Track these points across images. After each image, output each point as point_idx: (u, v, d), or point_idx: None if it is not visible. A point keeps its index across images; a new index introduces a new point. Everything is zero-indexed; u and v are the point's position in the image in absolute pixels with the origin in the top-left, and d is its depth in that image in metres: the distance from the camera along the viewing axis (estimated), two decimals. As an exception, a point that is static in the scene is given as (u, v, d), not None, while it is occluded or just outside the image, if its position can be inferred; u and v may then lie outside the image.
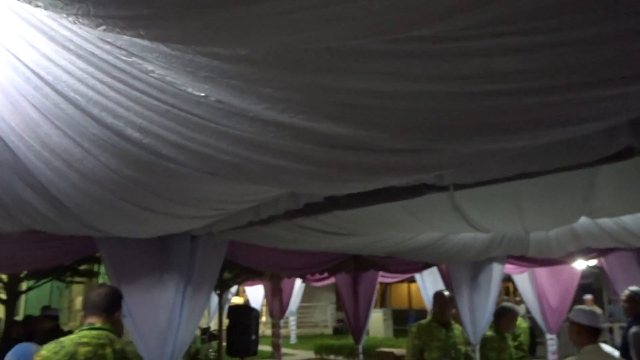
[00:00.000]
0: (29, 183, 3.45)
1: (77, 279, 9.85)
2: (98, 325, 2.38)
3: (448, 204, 3.87)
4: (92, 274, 10.04)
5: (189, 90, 2.09)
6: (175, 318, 5.52)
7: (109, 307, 2.47)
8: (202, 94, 2.07)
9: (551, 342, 10.30)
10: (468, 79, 1.67)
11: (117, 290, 2.57)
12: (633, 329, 4.12)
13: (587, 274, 11.29)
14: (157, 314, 5.48)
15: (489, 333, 4.65)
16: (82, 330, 2.38)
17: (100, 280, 12.66)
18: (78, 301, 16.15)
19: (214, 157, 2.42)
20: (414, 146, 2.26)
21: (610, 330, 10.78)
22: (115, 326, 2.50)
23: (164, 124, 2.34)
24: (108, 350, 2.30)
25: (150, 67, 2.06)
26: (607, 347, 5.09)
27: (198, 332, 13.51)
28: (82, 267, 9.28)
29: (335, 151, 2.25)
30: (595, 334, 3.08)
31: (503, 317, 4.68)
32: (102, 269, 8.75)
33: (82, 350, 2.25)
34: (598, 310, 3.37)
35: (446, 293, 4.55)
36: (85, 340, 2.32)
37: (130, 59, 2.05)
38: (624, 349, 4.28)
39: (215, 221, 4.68)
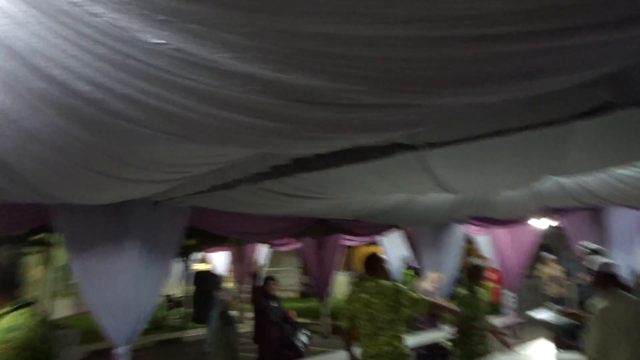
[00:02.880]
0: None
1: (31, 249, 9.46)
2: (22, 301, 2.11)
3: (418, 164, 3.80)
4: (48, 244, 9.68)
5: (146, 37, 1.88)
6: (137, 287, 5.34)
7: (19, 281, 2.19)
8: (161, 42, 1.87)
9: (512, 300, 10.66)
10: (451, 22, 1.54)
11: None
12: None
13: (546, 233, 11.65)
14: (117, 283, 5.28)
15: (462, 291, 4.75)
16: (17, 308, 2.07)
17: (57, 251, 12.25)
18: (35, 272, 15.66)
19: (174, 114, 2.23)
20: (388, 101, 2.13)
21: (568, 287, 11.25)
22: None
23: (118, 76, 2.11)
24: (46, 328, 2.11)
25: (100, 10, 1.83)
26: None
27: (162, 300, 13.35)
28: (36, 237, 8.91)
29: (304, 107, 2.10)
30: (615, 279, 3.34)
31: (473, 273, 4.81)
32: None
33: (41, 330, 2.06)
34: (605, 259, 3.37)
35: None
36: (34, 319, 2.08)
37: (78, 0, 1.83)
38: (582, 301, 4.41)
39: (177, 186, 4.48)
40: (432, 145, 2.99)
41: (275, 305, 6.01)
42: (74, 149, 2.92)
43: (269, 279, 6.02)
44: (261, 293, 5.86)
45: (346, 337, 4.19)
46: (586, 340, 3.38)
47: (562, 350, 4.77)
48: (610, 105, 2.35)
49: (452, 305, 4.24)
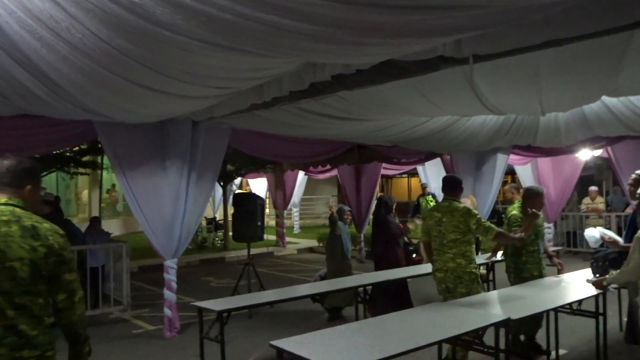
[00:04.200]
0: (17, 59, 3.20)
1: (81, 170, 9.86)
2: (3, 200, 2.00)
3: (462, 82, 3.65)
4: (95, 166, 10.07)
5: None
6: (181, 204, 5.53)
7: (15, 181, 2.04)
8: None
9: (548, 230, 10.55)
10: None
11: (26, 161, 2.11)
12: None
13: (589, 166, 11.26)
14: (162, 200, 5.48)
15: (516, 213, 4.67)
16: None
17: (105, 173, 12.73)
18: (85, 194, 16.43)
19: (214, 17, 2.18)
20: (438, 2, 2.00)
21: (608, 219, 11.01)
22: (29, 202, 2.13)
23: (155, -23, 2.07)
24: (14, 228, 1.92)
25: None
26: (609, 232, 5.13)
27: (204, 223, 13.86)
28: (85, 158, 9.26)
29: (348, 7, 2.01)
30: None
31: (530, 197, 4.73)
32: (107, 161, 8.74)
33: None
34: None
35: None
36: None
37: None
38: (630, 231, 4.29)
39: (216, 104, 4.49)
40: (478, 57, 2.84)
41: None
42: (117, 60, 2.93)
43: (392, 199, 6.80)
44: (387, 211, 6.35)
45: (427, 248, 4.51)
46: (626, 263, 3.34)
47: (599, 277, 4.74)
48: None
49: (516, 237, 4.26)
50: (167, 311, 5.58)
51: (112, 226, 15.90)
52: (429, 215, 4.30)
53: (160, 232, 5.55)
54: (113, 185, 17.04)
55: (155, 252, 5.71)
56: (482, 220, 4.10)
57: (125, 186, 5.44)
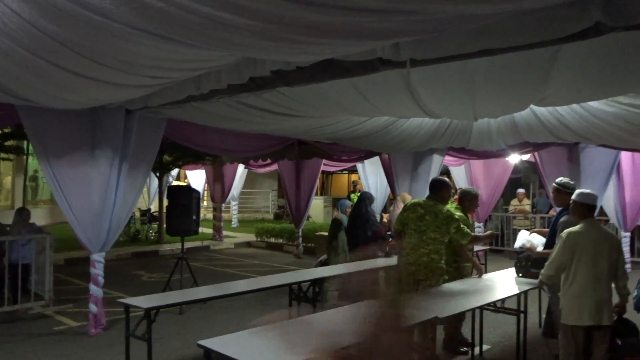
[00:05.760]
0: None
1: (4, 155, 9.24)
2: None
3: (401, 85, 3.71)
4: (20, 151, 9.47)
5: None
6: (111, 196, 5.28)
7: None
8: None
9: (478, 230, 11.01)
10: None
11: None
12: (562, 218, 4.31)
13: (518, 169, 11.82)
14: (90, 191, 5.21)
15: (458, 214, 4.83)
16: None
17: (31, 159, 12.00)
18: (7, 180, 15.44)
19: (146, 5, 2.08)
20: (383, 5, 2.00)
21: (533, 220, 11.61)
22: None
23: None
24: None
25: None
26: (536, 240, 5.40)
27: (138, 214, 13.39)
28: (9, 143, 8.69)
29: (284, 4, 1.96)
30: (592, 210, 3.59)
31: (469, 199, 5.04)
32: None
33: None
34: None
35: None
36: None
37: None
38: (551, 235, 4.52)
39: (152, 93, 4.32)
40: (415, 62, 2.89)
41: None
42: (38, 41, 2.73)
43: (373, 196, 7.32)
44: (368, 204, 6.82)
45: (397, 236, 4.73)
46: (549, 258, 3.57)
47: (522, 276, 4.98)
48: (601, 27, 2.28)
49: (487, 235, 4.77)
50: (93, 307, 5.34)
51: (40, 215, 15.07)
52: (412, 208, 4.47)
53: (88, 224, 5.29)
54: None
55: (83, 245, 5.44)
56: (462, 226, 4.38)
57: (50, 175, 5.12)
